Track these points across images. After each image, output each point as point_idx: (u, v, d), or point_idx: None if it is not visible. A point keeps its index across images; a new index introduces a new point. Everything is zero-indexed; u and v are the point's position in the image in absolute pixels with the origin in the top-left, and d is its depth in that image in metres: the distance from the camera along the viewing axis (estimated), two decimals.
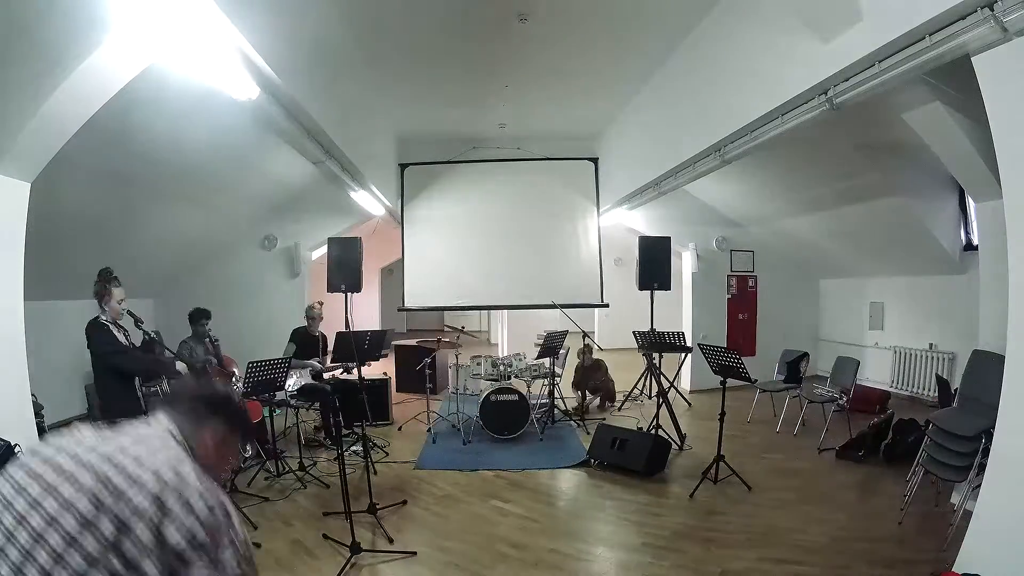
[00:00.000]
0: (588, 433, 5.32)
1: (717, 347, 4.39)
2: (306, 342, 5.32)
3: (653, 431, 4.89)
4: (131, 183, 5.12)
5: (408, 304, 8.44)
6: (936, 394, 5.19)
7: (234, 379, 4.62)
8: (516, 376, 5.90)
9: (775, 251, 8.14)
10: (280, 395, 4.72)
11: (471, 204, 8.45)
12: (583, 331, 6.39)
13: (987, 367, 3.38)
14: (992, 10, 2.27)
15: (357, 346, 4.68)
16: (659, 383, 5.41)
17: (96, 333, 3.11)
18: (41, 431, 3.04)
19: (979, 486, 2.68)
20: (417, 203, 8.48)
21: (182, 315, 4.76)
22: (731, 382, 4.23)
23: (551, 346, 5.68)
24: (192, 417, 1.24)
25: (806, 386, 5.84)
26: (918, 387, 6.45)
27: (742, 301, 8.06)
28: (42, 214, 3.04)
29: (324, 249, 6.49)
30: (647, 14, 4.56)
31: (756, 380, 5.70)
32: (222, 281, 7.57)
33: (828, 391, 5.53)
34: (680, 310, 8.28)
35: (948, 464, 3.26)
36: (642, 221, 8.15)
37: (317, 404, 5.14)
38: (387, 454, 5.07)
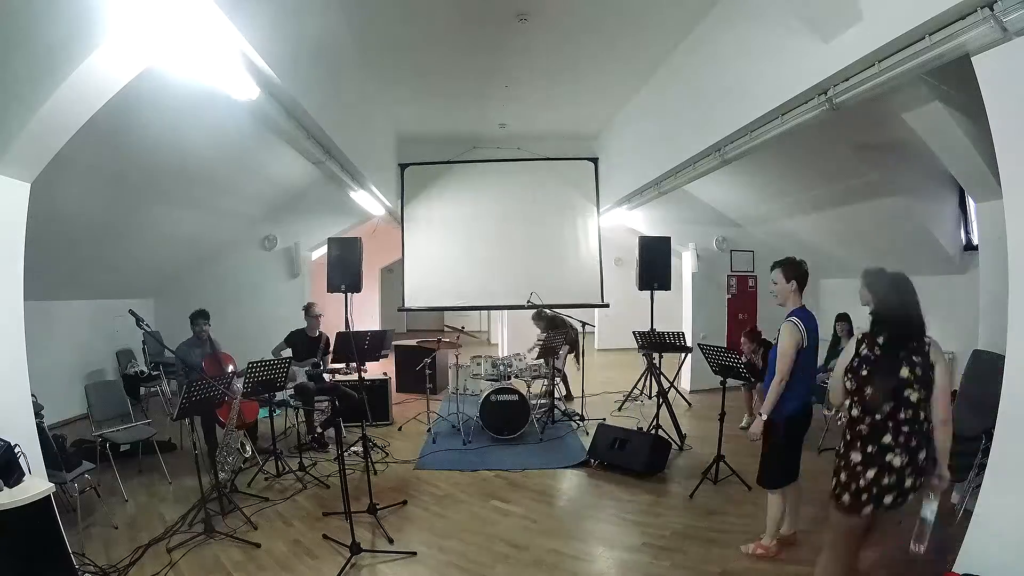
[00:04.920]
0: (588, 433, 5.32)
1: (717, 347, 4.38)
2: (304, 344, 5.30)
3: (653, 431, 4.89)
4: (131, 183, 5.12)
5: (408, 304, 8.44)
6: None
7: (231, 369, 4.60)
8: (516, 376, 5.90)
9: (775, 251, 8.08)
10: (280, 395, 4.73)
11: (471, 204, 8.45)
12: (583, 323, 6.39)
13: (987, 367, 3.38)
14: (992, 10, 2.27)
15: (357, 346, 4.69)
16: (659, 383, 5.41)
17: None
18: (41, 431, 3.03)
19: (979, 486, 2.68)
20: (417, 203, 8.48)
21: (182, 315, 4.76)
22: (731, 382, 4.23)
23: (551, 346, 5.68)
24: None
25: None
26: None
27: (742, 301, 8.06)
28: (42, 214, 3.04)
29: (324, 249, 6.49)
30: (647, 14, 4.56)
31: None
32: (222, 281, 7.58)
33: None
34: (680, 310, 8.28)
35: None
36: (642, 221, 8.15)
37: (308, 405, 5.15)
38: (387, 454, 5.07)
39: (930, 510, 2.19)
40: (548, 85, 6.20)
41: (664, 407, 5.10)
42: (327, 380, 5.35)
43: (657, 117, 6.04)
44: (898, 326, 2.12)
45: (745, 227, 8.10)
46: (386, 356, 6.30)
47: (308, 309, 5.48)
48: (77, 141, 2.84)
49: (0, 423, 2.57)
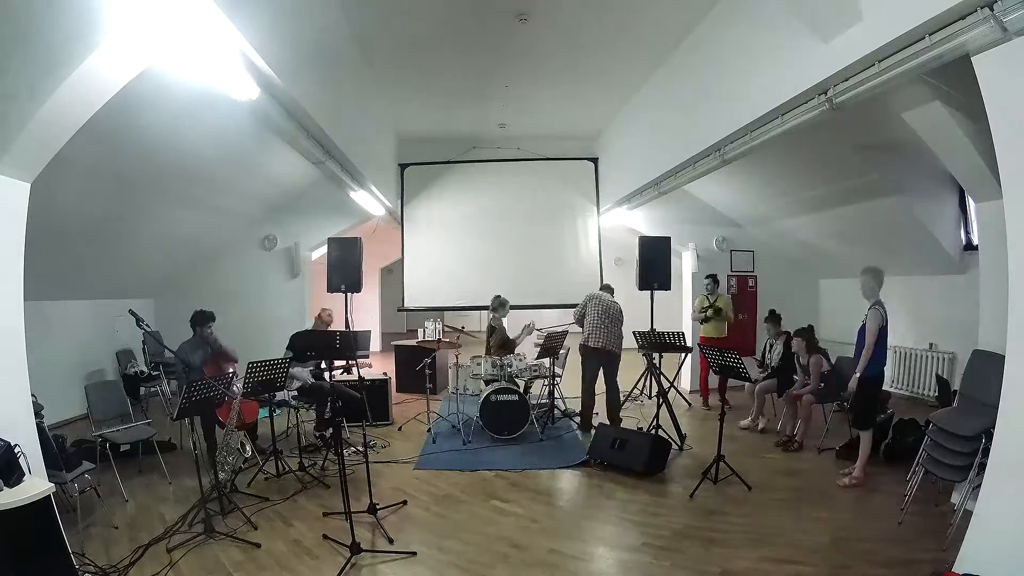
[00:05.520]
0: (588, 433, 5.32)
1: (718, 347, 4.38)
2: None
3: (653, 431, 4.89)
4: (131, 183, 5.13)
5: (408, 304, 8.45)
6: (936, 394, 5.19)
7: (232, 372, 4.59)
8: (516, 376, 5.90)
9: (775, 251, 8.14)
10: (280, 395, 4.72)
11: (471, 204, 8.46)
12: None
13: (987, 367, 3.38)
14: (992, 10, 2.27)
15: (327, 345, 4.59)
16: (659, 383, 5.40)
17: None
18: (41, 431, 3.03)
19: (979, 486, 2.68)
20: (417, 203, 8.48)
21: (182, 315, 4.75)
22: (731, 382, 4.24)
23: (551, 346, 5.68)
24: None
25: None
26: (918, 387, 6.45)
27: (742, 301, 8.05)
28: (42, 214, 3.04)
29: (324, 249, 6.50)
30: (647, 14, 4.56)
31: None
32: (222, 281, 7.58)
33: None
34: (680, 310, 8.28)
35: (948, 464, 3.26)
36: (642, 221, 8.15)
37: (315, 405, 5.14)
38: (381, 450, 5.07)
39: None
40: (548, 85, 6.20)
41: (664, 407, 5.10)
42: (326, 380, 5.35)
43: (657, 117, 6.04)
44: None
45: (745, 227, 8.10)
46: (366, 358, 6.21)
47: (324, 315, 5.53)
48: (77, 141, 2.84)
49: (0, 423, 2.57)
